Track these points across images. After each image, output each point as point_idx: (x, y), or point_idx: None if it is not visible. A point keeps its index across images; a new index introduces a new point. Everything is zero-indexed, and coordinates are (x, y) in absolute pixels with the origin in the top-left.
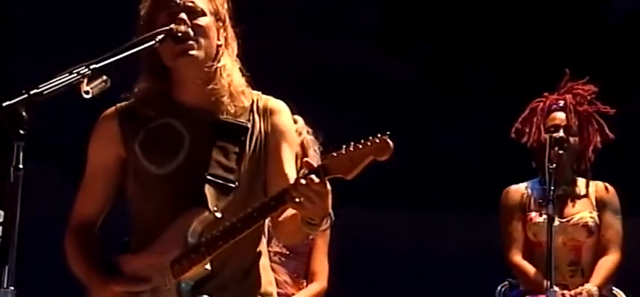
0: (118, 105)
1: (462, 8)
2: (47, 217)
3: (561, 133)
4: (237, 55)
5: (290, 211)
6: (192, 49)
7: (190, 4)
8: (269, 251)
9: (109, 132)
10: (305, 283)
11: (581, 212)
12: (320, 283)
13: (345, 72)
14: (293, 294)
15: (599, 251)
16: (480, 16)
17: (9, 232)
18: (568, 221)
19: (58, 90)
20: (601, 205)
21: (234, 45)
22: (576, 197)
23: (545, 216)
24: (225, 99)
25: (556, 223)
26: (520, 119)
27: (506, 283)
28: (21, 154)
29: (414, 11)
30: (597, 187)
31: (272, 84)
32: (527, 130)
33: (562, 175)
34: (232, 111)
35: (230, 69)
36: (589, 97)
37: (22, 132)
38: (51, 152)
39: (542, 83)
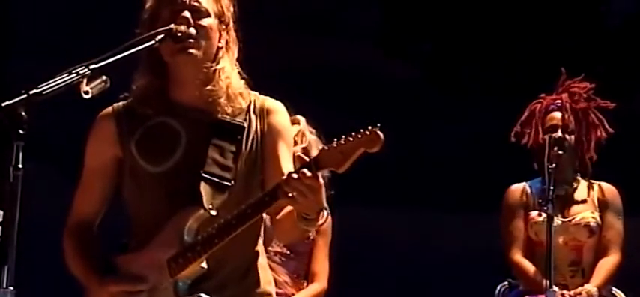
0: (115, 105)
1: (461, 8)
2: (47, 216)
3: (559, 134)
4: (238, 59)
5: (287, 209)
6: (192, 48)
7: (196, 3)
8: (269, 251)
9: (105, 132)
10: (305, 284)
11: (583, 212)
12: (320, 283)
13: (345, 72)
14: (293, 294)
15: (600, 252)
16: (480, 17)
17: (8, 232)
18: (570, 221)
19: (58, 90)
20: (603, 206)
21: (235, 49)
22: (578, 197)
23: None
24: (223, 100)
25: (557, 222)
26: (519, 122)
27: (506, 283)
28: (21, 154)
29: (414, 11)
30: (599, 187)
31: (272, 84)
32: (526, 131)
33: (562, 175)
34: (229, 111)
35: (229, 72)
36: (585, 94)
37: (21, 132)
38: (51, 152)
39: (542, 83)
